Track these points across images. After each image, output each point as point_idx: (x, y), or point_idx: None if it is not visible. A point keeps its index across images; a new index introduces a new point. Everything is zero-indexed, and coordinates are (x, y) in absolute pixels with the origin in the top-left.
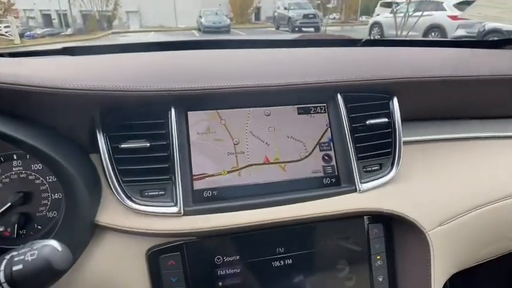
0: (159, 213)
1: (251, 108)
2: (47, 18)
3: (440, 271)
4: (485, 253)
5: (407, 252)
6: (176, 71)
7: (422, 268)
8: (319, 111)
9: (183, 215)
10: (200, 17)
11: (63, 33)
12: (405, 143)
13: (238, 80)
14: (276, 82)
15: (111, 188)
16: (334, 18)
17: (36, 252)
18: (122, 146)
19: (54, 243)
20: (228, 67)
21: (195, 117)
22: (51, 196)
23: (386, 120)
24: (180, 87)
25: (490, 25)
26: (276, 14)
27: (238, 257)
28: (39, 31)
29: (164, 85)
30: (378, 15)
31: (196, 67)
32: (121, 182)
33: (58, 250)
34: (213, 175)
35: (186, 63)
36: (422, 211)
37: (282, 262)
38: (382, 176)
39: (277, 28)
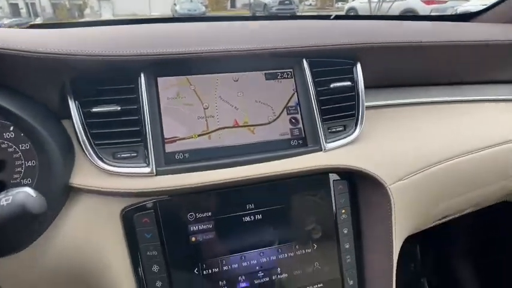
0: (131, 173)
1: (220, 74)
2: (14, 8)
3: (401, 224)
4: (443, 208)
5: (370, 206)
6: (145, 38)
7: (384, 220)
8: (286, 76)
9: (156, 174)
10: (175, 4)
11: (31, 23)
12: (369, 107)
13: (206, 46)
14: (243, 47)
15: (84, 151)
16: (311, 4)
17: (11, 197)
18: (93, 110)
19: (28, 189)
20: (198, 35)
21: (164, 83)
22: (25, 164)
23: (349, 83)
24: (149, 52)
25: (462, 9)
26: (251, 0)
27: (209, 214)
28: (6, 21)
29: (133, 50)
30: (353, 0)
31: (165, 35)
32: (93, 145)
33: (32, 195)
34: (184, 138)
35: (156, 31)
36: (384, 167)
37: (252, 217)
38: (346, 136)
39: (253, 15)
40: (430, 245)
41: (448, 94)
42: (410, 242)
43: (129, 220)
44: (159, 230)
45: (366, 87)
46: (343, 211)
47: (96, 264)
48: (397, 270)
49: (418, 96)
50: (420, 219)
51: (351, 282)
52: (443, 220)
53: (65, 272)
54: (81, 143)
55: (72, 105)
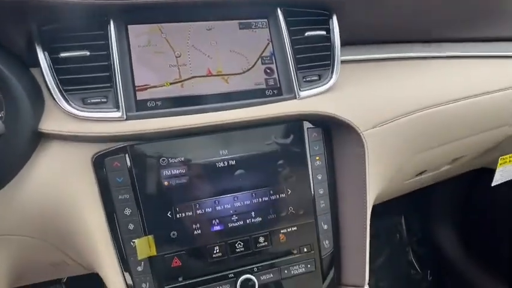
0: (101, 118)
1: (192, 23)
2: None
3: (375, 172)
4: (419, 162)
5: (345, 153)
6: None
7: (358, 166)
8: (261, 26)
9: (126, 119)
10: None
11: None
12: (345, 61)
13: None
14: None
15: (53, 97)
16: None
17: None
18: (61, 55)
19: None
20: None
21: (135, 31)
22: None
23: (325, 33)
24: None
25: None
26: None
27: (182, 159)
28: None
29: None
30: None
31: None
32: (62, 90)
33: None
34: (155, 86)
35: None
36: (358, 114)
37: (225, 163)
38: (321, 85)
39: None
40: (414, 216)
41: (422, 50)
42: (395, 213)
43: (100, 165)
44: (131, 174)
45: (342, 44)
46: (317, 158)
47: (68, 210)
48: (383, 240)
49: (394, 52)
50: (394, 170)
51: (325, 227)
52: (422, 178)
53: (37, 218)
54: (50, 88)
55: (40, 52)
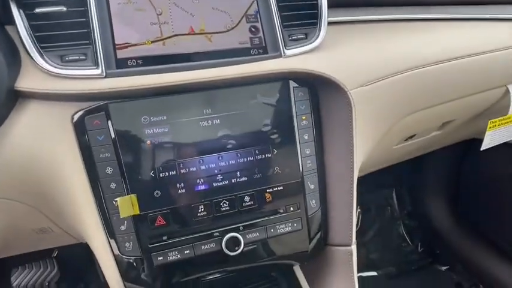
0: (80, 75)
1: None
2: None
3: (362, 133)
4: (407, 124)
5: (332, 112)
6: None
7: (345, 126)
8: None
9: (106, 76)
10: None
11: None
12: (334, 22)
13: None
14: None
15: (30, 55)
16: None
17: None
18: (37, 11)
19: None
20: None
21: None
22: None
23: None
24: None
25: None
26: None
27: (165, 117)
28: None
29: None
30: None
31: None
32: (39, 48)
33: None
34: (136, 44)
35: None
36: (345, 72)
37: (209, 122)
38: (307, 44)
39: None
40: (405, 189)
41: (410, 12)
42: (386, 186)
43: (80, 124)
44: (111, 132)
45: (329, 6)
46: (304, 118)
47: (49, 170)
48: (374, 214)
49: (381, 14)
50: (382, 131)
51: (312, 186)
52: (412, 143)
53: (17, 179)
54: (26, 46)
55: (14, 8)
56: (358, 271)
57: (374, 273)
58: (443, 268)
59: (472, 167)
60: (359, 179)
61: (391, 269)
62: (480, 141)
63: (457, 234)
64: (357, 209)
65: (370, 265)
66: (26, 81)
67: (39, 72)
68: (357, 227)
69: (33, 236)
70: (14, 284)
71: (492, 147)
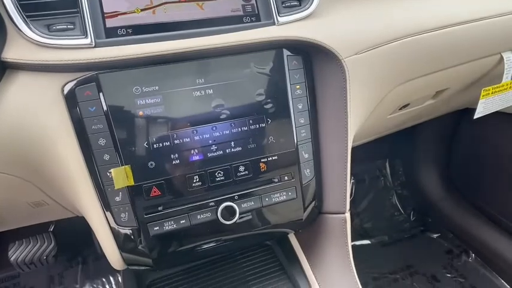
0: (69, 45)
1: None
2: None
3: (356, 101)
4: (401, 93)
5: (326, 81)
6: None
7: (340, 95)
8: None
9: (95, 46)
10: None
11: None
12: None
13: None
14: None
15: (16, 25)
16: None
17: None
18: None
19: None
20: None
21: None
22: None
23: None
24: None
25: None
26: None
27: (156, 88)
28: None
29: None
30: None
31: None
32: (25, 17)
33: None
34: (126, 13)
35: None
36: (339, 40)
37: (202, 92)
38: (301, 11)
39: None
40: (398, 159)
41: None
42: (380, 157)
43: (71, 94)
44: (103, 103)
45: None
46: (298, 87)
47: (41, 142)
48: (368, 184)
49: None
50: (376, 100)
51: (306, 156)
52: (405, 113)
53: (9, 153)
54: (12, 15)
55: None
56: (352, 240)
57: (367, 241)
58: (435, 236)
59: (463, 137)
60: (353, 149)
61: (384, 237)
62: (473, 110)
63: (448, 203)
64: (351, 179)
65: (363, 234)
66: (13, 52)
67: (26, 43)
68: (350, 197)
69: (28, 210)
70: (12, 259)
71: (484, 116)
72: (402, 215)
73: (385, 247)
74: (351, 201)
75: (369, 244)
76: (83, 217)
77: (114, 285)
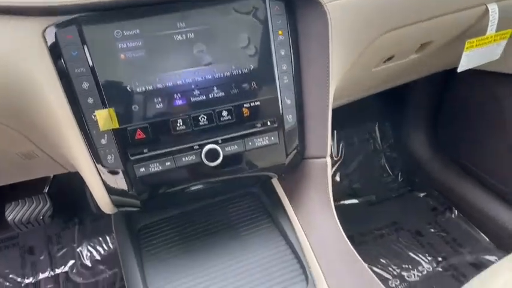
0: None
1: None
2: None
3: (339, 49)
4: (386, 42)
5: (308, 27)
6: None
7: (322, 41)
8: None
9: None
10: None
11: None
12: None
13: None
14: None
15: None
16: None
17: None
18: None
19: None
20: None
21: None
22: None
23: None
24: None
25: None
26: None
27: (137, 31)
28: None
29: None
30: None
31: None
32: None
33: None
34: None
35: None
36: None
37: (183, 36)
38: None
39: None
40: (387, 122)
41: None
42: (369, 120)
43: (52, 38)
44: (84, 46)
45: None
46: (280, 33)
47: (24, 88)
48: (357, 147)
49: None
50: (359, 49)
51: (288, 102)
52: (391, 66)
53: None
54: None
55: None
56: (341, 200)
57: (355, 200)
58: (421, 195)
59: (450, 99)
60: (344, 111)
61: (371, 197)
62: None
63: (435, 164)
64: (340, 142)
65: (352, 194)
66: None
67: None
68: (340, 159)
69: (19, 162)
70: (9, 218)
71: (470, 77)
72: (390, 176)
73: (373, 206)
74: (340, 163)
75: (356, 203)
76: (76, 180)
77: (110, 244)
